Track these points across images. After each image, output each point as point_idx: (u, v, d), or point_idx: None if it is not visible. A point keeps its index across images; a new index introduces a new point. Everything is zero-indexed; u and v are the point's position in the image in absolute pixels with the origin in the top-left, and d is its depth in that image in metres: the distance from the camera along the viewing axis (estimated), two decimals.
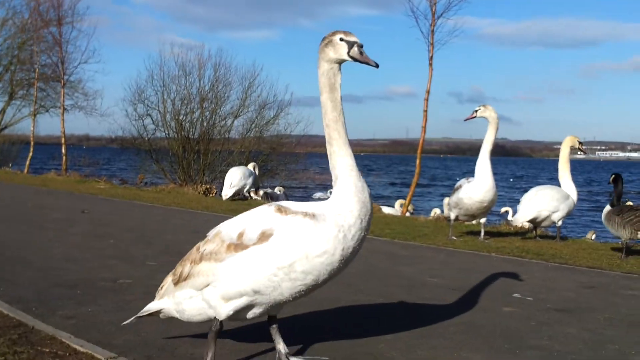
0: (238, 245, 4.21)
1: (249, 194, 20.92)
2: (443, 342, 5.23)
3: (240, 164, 27.03)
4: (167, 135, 28.03)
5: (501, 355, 4.93)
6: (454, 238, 11.69)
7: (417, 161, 20.96)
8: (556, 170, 12.17)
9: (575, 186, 11.90)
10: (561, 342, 5.35)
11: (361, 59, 4.31)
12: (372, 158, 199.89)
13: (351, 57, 4.29)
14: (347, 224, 4.13)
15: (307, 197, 34.35)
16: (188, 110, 27.88)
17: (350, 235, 4.14)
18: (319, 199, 10.97)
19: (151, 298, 4.56)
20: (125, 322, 4.96)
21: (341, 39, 4.30)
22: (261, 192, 22.14)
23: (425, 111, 20.72)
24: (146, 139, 28.11)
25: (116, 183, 27.41)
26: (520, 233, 13.05)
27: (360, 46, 4.30)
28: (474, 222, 13.10)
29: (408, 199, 21.38)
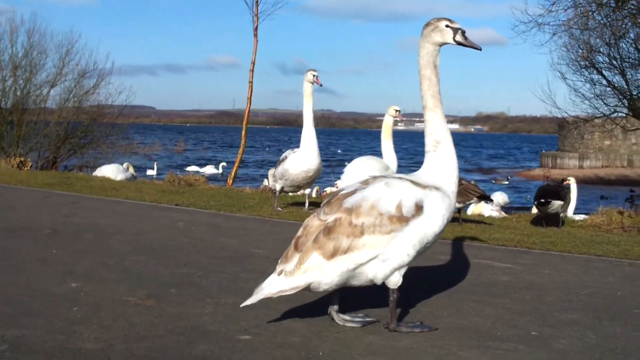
0: (400, 218, 4.66)
1: None
2: (273, 308, 5.26)
3: (57, 135, 25.88)
4: None
5: (329, 322, 5.03)
6: (279, 209, 11.77)
7: (243, 132, 21.00)
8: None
9: (397, 157, 12.33)
10: (382, 307, 5.54)
11: (466, 43, 5.03)
12: (201, 130, 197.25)
13: (456, 41, 5.01)
14: (455, 192, 5.00)
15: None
16: None
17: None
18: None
19: None
20: (246, 303, 4.76)
21: (447, 26, 4.98)
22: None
23: (251, 82, 20.77)
24: None
25: None
26: None
27: (464, 32, 4.99)
28: (299, 193, 13.29)
29: (234, 170, 21.40)
